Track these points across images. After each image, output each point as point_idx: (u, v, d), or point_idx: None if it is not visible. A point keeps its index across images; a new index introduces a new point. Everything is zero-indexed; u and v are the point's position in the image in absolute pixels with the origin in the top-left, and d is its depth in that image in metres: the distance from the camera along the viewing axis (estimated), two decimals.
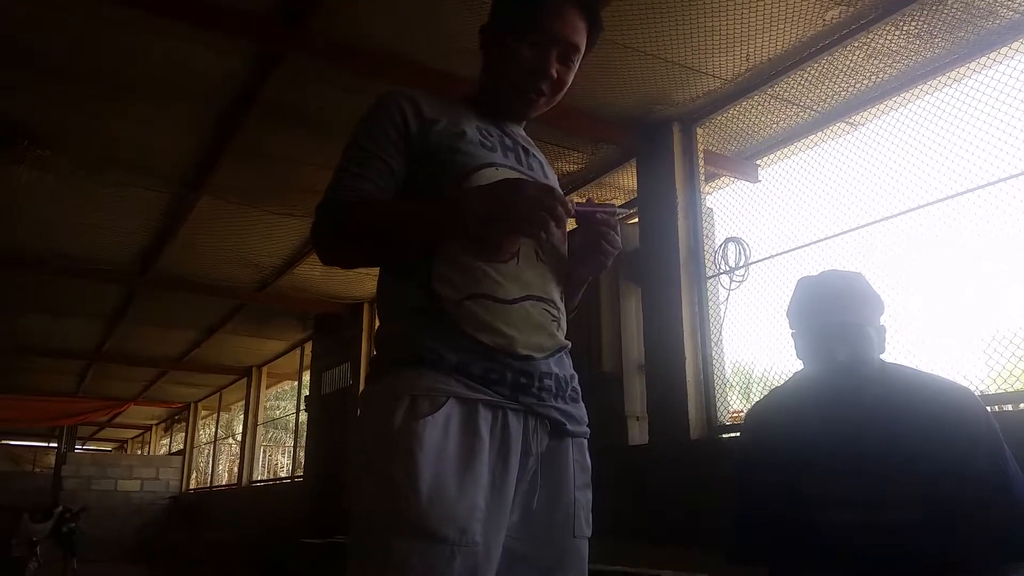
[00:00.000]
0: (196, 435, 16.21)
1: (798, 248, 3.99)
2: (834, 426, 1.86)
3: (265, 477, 12.77)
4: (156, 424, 20.59)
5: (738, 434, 4.14)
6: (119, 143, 5.00)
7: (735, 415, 4.25)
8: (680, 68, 4.08)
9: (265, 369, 12.19)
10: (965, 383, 1.88)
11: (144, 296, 8.37)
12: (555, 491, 1.39)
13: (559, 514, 1.39)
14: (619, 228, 1.44)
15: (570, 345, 1.48)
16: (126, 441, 24.88)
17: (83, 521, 11.39)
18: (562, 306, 1.49)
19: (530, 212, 1.27)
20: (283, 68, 4.09)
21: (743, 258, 4.33)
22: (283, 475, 12.64)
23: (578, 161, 5.27)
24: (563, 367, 1.44)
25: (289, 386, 13.98)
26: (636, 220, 4.95)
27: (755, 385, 4.44)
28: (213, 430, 16.00)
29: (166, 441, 20.90)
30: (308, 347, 10.33)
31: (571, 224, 1.44)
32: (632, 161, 5.02)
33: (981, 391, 3.06)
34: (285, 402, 17.96)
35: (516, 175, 1.44)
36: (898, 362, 1.93)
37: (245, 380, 12.55)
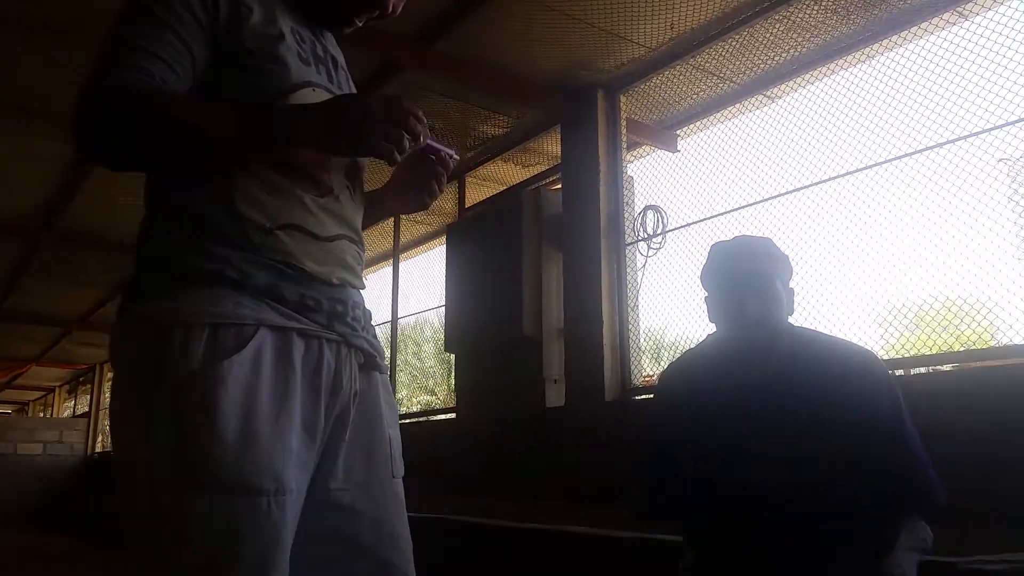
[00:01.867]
0: (102, 397, 15.66)
1: (713, 217, 4.10)
2: (743, 383, 1.90)
3: None
4: (60, 386, 19.81)
5: (651, 396, 4.25)
6: (15, 87, 4.71)
7: (647, 379, 4.36)
8: (606, 34, 4.10)
9: None
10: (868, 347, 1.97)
11: (47, 251, 7.97)
12: (370, 430, 1.25)
13: (377, 454, 1.25)
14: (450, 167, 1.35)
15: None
16: (27, 403, 23.90)
17: None
18: (363, 239, 1.34)
19: (384, 130, 1.08)
20: None
21: (661, 226, 4.42)
22: None
23: (502, 125, 5.25)
24: (364, 300, 1.32)
25: None
26: (560, 186, 4.98)
27: (666, 351, 4.56)
28: None
29: (70, 403, 20.15)
30: None
31: None
32: (556, 127, 5.04)
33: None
34: None
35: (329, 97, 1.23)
36: (805, 326, 2.01)
37: None
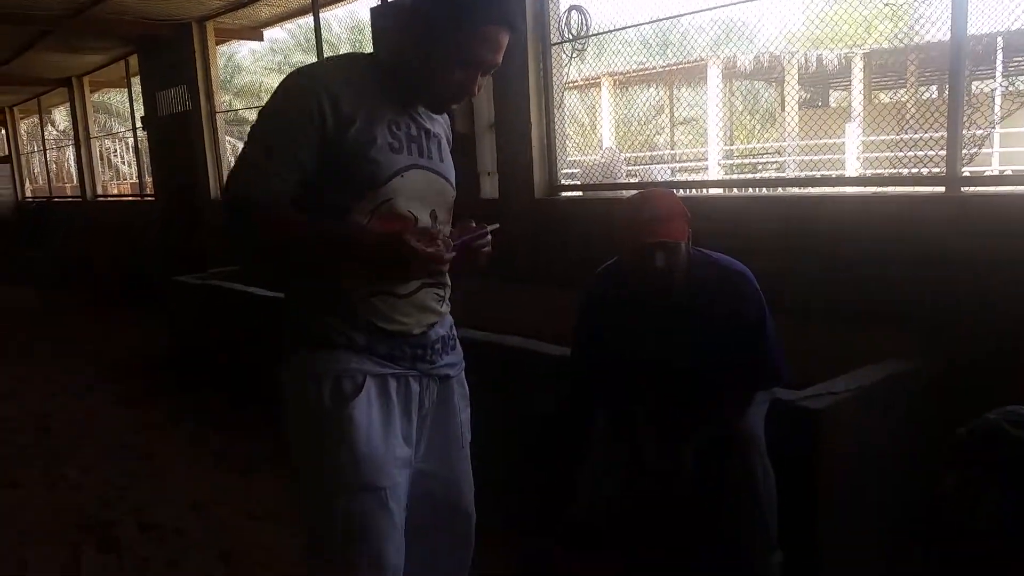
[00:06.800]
0: (19, 141, 15.18)
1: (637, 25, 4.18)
2: (649, 303, 2.36)
3: (110, 186, 12.42)
4: None
5: (578, 194, 4.68)
6: None
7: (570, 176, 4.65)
8: None
9: (87, 79, 11.32)
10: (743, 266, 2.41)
11: None
12: (446, 423, 1.80)
13: (451, 436, 1.82)
14: (490, 242, 1.68)
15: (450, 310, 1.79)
16: None
17: None
18: (449, 280, 1.76)
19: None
20: None
21: (584, 28, 4.47)
22: (127, 192, 12.33)
23: None
24: (445, 325, 1.77)
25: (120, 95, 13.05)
26: None
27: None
28: (40, 136, 14.99)
29: None
30: (133, 59, 9.65)
31: None
32: None
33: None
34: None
35: (420, 172, 1.62)
36: (700, 249, 2.40)
37: (67, 90, 11.65)
